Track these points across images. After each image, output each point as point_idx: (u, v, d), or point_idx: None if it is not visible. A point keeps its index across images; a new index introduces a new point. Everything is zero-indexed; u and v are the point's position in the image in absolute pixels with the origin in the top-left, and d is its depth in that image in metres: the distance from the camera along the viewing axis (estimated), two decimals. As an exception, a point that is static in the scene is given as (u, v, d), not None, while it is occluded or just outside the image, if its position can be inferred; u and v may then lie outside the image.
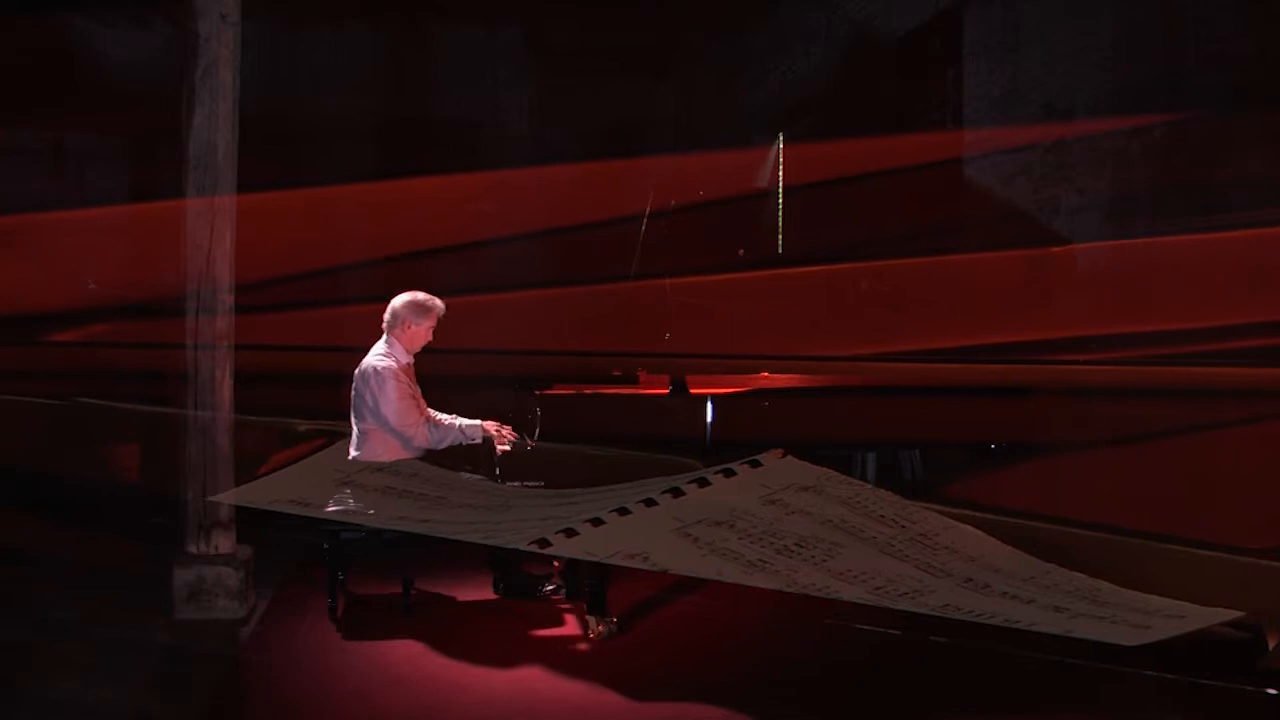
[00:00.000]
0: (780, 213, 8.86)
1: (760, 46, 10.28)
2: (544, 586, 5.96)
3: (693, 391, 6.35)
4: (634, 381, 6.74)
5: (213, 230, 5.62)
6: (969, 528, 4.42)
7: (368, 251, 8.67)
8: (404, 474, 5.28)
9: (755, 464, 4.66)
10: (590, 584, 5.37)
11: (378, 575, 5.93)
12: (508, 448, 5.74)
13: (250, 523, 5.89)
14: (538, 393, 6.20)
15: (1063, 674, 4.81)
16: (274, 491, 5.15)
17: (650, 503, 4.42)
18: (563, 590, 5.91)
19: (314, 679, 4.95)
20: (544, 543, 4.21)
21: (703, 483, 4.55)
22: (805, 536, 4.23)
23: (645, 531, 4.26)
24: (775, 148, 8.89)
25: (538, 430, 5.83)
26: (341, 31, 10.01)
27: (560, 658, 5.14)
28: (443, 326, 5.91)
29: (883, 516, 4.43)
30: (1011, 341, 7.12)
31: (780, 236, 8.89)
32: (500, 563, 5.97)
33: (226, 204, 5.65)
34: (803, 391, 6.98)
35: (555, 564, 6.03)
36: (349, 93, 9.56)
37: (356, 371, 5.81)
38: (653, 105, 10.25)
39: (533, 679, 4.89)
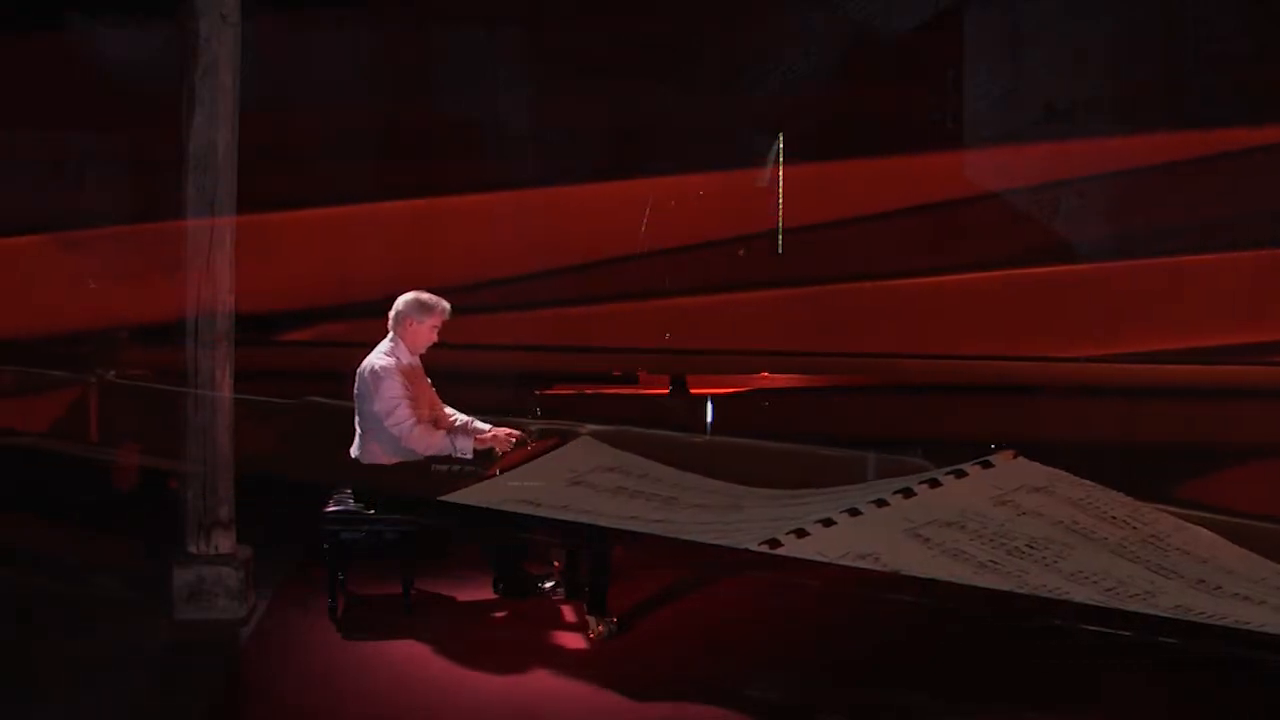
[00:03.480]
0: (780, 212, 8.86)
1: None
2: (544, 586, 5.95)
3: (693, 391, 6.37)
4: (634, 381, 6.75)
5: (213, 230, 5.62)
6: (1201, 529, 4.41)
7: (582, 254, 8.67)
8: (634, 474, 5.29)
9: (987, 465, 4.68)
10: (590, 584, 5.37)
11: (378, 575, 5.92)
12: (509, 447, 5.74)
13: (250, 522, 5.89)
14: (538, 392, 6.21)
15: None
16: (506, 490, 5.17)
17: (881, 503, 4.43)
18: (562, 590, 5.91)
19: (314, 679, 4.95)
20: (774, 543, 4.21)
21: (934, 483, 4.58)
22: (1036, 538, 4.24)
23: (876, 532, 4.26)
24: (775, 147, 8.90)
25: (539, 431, 5.83)
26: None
27: (560, 658, 5.14)
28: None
29: (1114, 518, 4.44)
30: (1240, 343, 7.09)
31: (780, 237, 8.89)
32: (500, 562, 5.96)
33: (226, 204, 5.64)
34: (804, 390, 7.00)
35: (555, 564, 6.03)
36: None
37: (357, 371, 5.80)
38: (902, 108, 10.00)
39: (533, 679, 4.89)
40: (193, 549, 5.69)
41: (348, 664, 5.11)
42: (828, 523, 4.30)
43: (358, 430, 5.81)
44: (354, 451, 5.82)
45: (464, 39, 9.58)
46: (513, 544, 5.88)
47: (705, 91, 9.27)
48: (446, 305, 5.86)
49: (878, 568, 4.05)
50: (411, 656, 5.17)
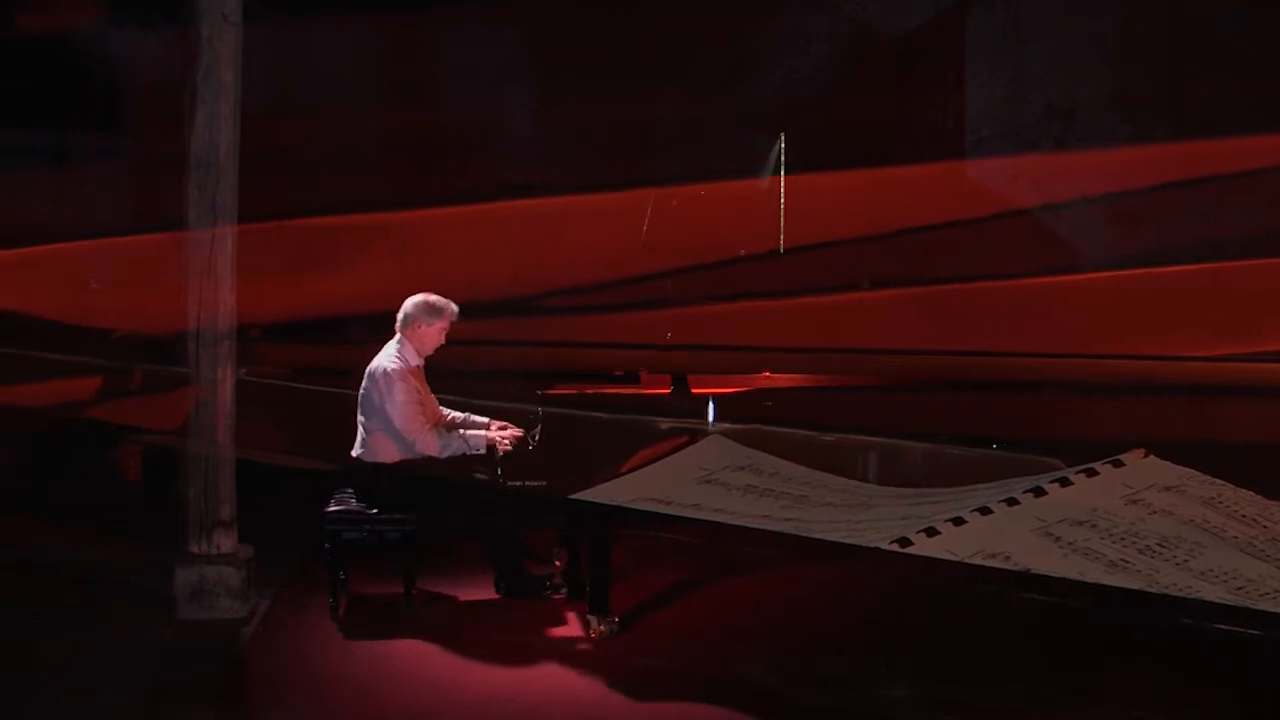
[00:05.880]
0: (782, 212, 8.85)
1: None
2: (545, 586, 5.96)
3: (694, 391, 6.37)
4: (635, 380, 6.75)
5: (214, 229, 5.62)
6: None
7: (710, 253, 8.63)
8: (765, 473, 5.29)
9: (1118, 464, 4.69)
10: (592, 583, 5.37)
11: (379, 574, 5.93)
12: (509, 447, 5.75)
13: (251, 522, 5.89)
14: (540, 392, 6.20)
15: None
16: (637, 489, 5.17)
17: (1012, 502, 4.45)
18: (564, 589, 5.92)
19: (316, 678, 4.95)
20: (905, 541, 4.23)
21: (1064, 482, 4.59)
22: (1167, 536, 4.24)
23: (1007, 531, 4.28)
24: (777, 147, 8.90)
25: (540, 430, 5.84)
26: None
27: (561, 657, 5.15)
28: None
29: (1244, 516, 4.44)
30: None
31: (781, 237, 8.87)
32: (502, 562, 5.97)
33: (229, 203, 5.65)
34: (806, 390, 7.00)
35: (557, 563, 6.04)
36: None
37: (366, 370, 5.81)
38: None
39: (534, 678, 4.90)
40: (194, 548, 5.69)
41: (349, 663, 5.12)
42: (958, 521, 4.33)
43: (361, 430, 5.82)
44: (356, 450, 5.82)
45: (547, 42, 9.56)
46: (514, 543, 5.89)
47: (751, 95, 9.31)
48: (455, 308, 5.88)
49: (1008, 566, 4.08)
50: (413, 656, 5.18)
